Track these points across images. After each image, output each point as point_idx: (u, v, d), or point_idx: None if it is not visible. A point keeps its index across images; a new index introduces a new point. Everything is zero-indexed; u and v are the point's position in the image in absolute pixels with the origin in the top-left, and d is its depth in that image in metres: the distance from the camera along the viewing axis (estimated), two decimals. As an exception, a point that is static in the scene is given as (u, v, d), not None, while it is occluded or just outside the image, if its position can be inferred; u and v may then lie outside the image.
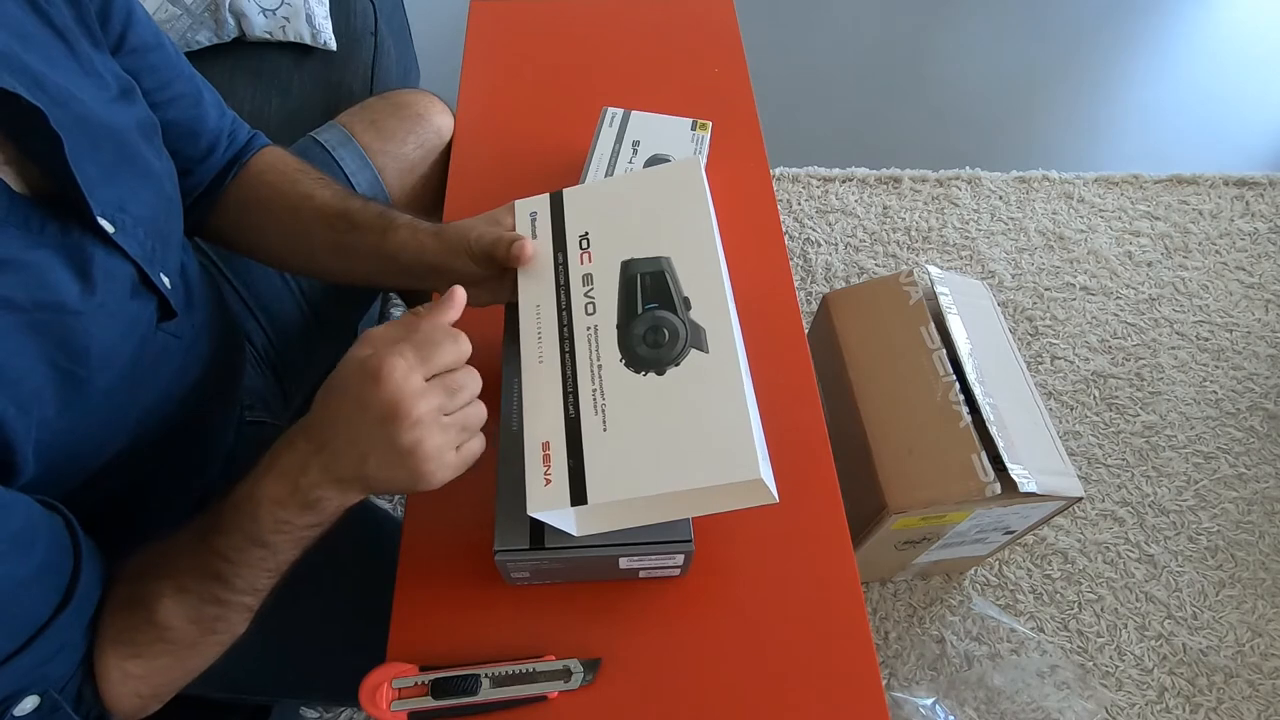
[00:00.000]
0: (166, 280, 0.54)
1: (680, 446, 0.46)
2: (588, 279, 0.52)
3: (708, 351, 0.48)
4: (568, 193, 0.57)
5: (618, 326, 0.50)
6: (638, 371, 0.49)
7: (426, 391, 0.44)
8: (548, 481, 0.47)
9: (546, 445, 0.48)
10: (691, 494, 0.46)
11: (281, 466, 0.44)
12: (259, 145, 0.68)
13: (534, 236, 0.56)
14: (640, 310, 0.50)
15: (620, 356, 0.49)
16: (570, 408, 0.49)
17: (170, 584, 0.45)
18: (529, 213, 0.58)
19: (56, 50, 0.49)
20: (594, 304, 0.51)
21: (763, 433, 0.49)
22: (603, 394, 0.48)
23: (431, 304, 0.47)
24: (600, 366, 0.49)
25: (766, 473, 0.46)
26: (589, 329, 0.51)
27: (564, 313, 0.52)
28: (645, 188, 0.56)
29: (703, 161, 0.80)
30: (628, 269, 0.52)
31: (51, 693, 0.43)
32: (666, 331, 0.49)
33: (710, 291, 0.51)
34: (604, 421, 0.47)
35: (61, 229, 0.46)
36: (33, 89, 0.43)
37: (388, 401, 0.42)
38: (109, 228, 0.48)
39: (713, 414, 0.47)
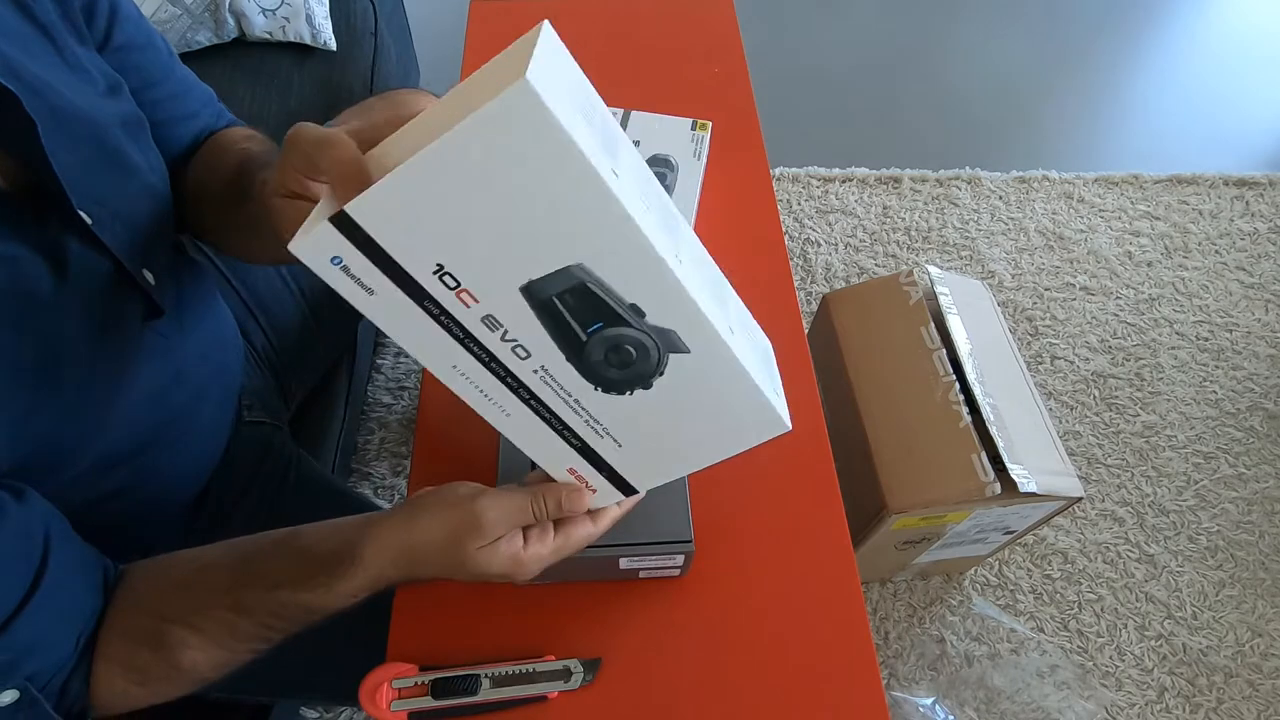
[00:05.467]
0: (150, 277, 0.53)
1: (707, 429, 0.46)
2: (490, 322, 0.38)
3: (689, 350, 0.41)
4: (356, 210, 0.34)
5: (570, 362, 0.40)
6: (619, 394, 0.42)
7: (550, 558, 0.48)
8: (593, 491, 0.48)
9: (572, 471, 0.47)
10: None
11: (370, 577, 0.46)
12: (223, 125, 0.65)
13: (370, 292, 0.36)
14: (585, 337, 0.39)
15: (593, 387, 0.42)
16: (573, 439, 0.45)
17: (204, 640, 0.47)
18: (329, 257, 0.35)
19: (39, 45, 0.48)
20: (522, 347, 0.39)
21: (771, 354, 0.49)
22: (596, 420, 0.44)
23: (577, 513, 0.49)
24: (577, 400, 0.42)
25: (784, 408, 0.46)
26: (536, 371, 0.41)
27: (492, 364, 0.40)
28: (477, 160, 0.32)
29: (702, 164, 0.78)
30: (534, 295, 0.37)
31: (31, 689, 0.43)
32: (631, 349, 0.40)
33: (658, 286, 0.38)
34: (615, 441, 0.46)
35: (39, 222, 0.46)
36: (8, 78, 0.43)
37: (524, 580, 0.48)
38: (87, 220, 0.47)
39: (724, 396, 0.43)
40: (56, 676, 0.45)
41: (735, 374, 0.42)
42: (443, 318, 0.38)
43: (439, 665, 0.53)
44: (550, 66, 0.32)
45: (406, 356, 1.41)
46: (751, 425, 0.45)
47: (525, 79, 0.29)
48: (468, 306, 0.37)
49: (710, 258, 0.45)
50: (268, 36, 1.14)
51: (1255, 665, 1.16)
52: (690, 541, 0.53)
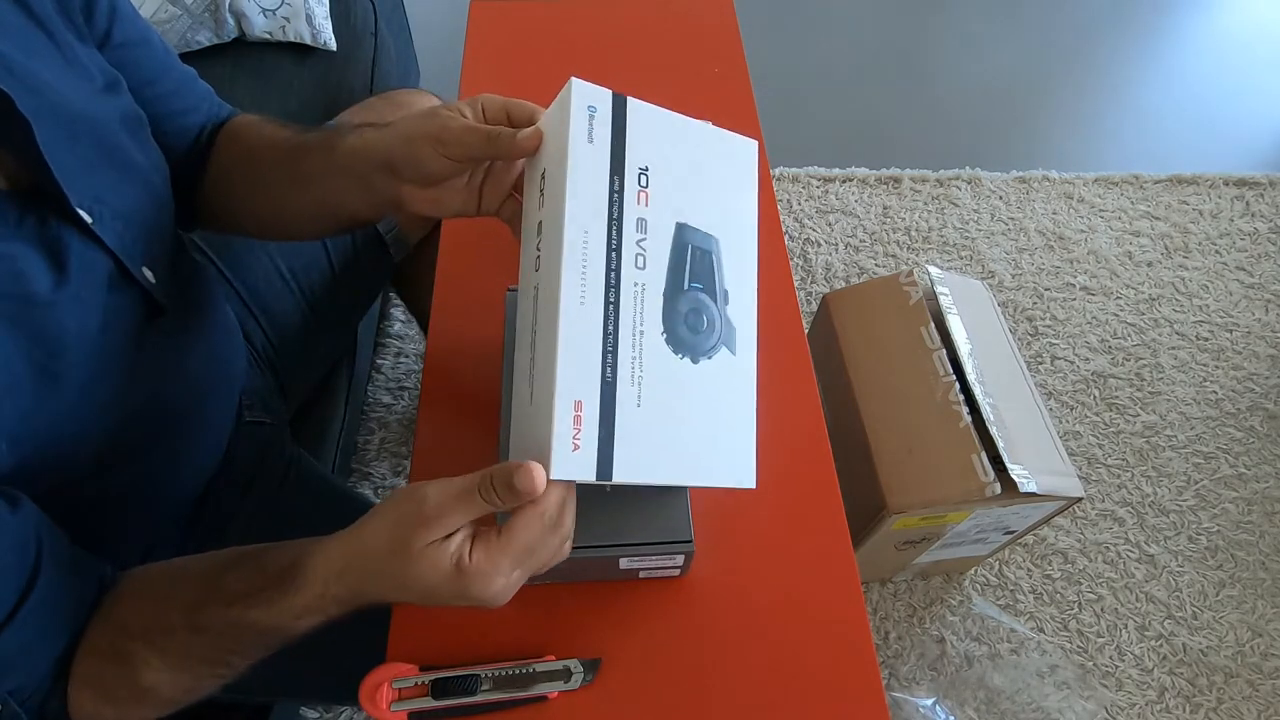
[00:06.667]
0: (150, 274, 0.53)
1: (698, 442, 0.46)
2: (641, 225, 0.46)
3: (735, 354, 0.48)
4: (632, 104, 0.47)
5: (664, 295, 0.46)
6: (675, 352, 0.46)
7: (520, 582, 0.44)
8: (576, 447, 0.42)
9: (579, 405, 0.42)
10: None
11: (314, 593, 0.43)
12: (229, 116, 0.67)
13: (590, 141, 0.45)
14: (686, 286, 0.47)
15: (662, 329, 0.45)
16: (608, 369, 0.43)
17: (165, 660, 0.45)
18: (587, 105, 0.45)
19: (36, 40, 0.48)
20: (644, 258, 0.45)
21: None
22: (641, 365, 0.44)
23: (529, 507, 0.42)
24: (642, 333, 0.44)
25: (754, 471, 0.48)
26: (636, 285, 0.45)
27: (614, 254, 0.44)
28: (705, 146, 0.50)
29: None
30: (681, 235, 0.47)
31: (12, 704, 0.43)
32: (706, 318, 0.47)
33: (745, 293, 0.49)
34: (639, 396, 0.44)
35: (39, 221, 0.46)
36: (3, 76, 0.43)
37: (483, 601, 0.42)
38: (87, 218, 0.47)
39: (728, 417, 0.47)
40: (36, 693, 0.45)
41: (748, 401, 0.48)
42: (616, 194, 0.45)
43: (439, 665, 0.53)
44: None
45: (406, 356, 1.41)
46: (733, 465, 0.47)
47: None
48: (638, 203, 0.46)
49: None
50: (268, 36, 1.14)
51: (1255, 665, 1.16)
52: (690, 541, 0.53)
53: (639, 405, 0.44)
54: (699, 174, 0.49)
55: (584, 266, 0.43)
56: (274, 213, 0.62)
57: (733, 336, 0.48)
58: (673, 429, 0.45)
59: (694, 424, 0.46)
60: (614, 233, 0.44)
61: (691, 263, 0.47)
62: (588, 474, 0.42)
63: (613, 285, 0.44)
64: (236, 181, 0.63)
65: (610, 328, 0.44)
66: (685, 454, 0.46)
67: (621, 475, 0.43)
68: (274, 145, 0.60)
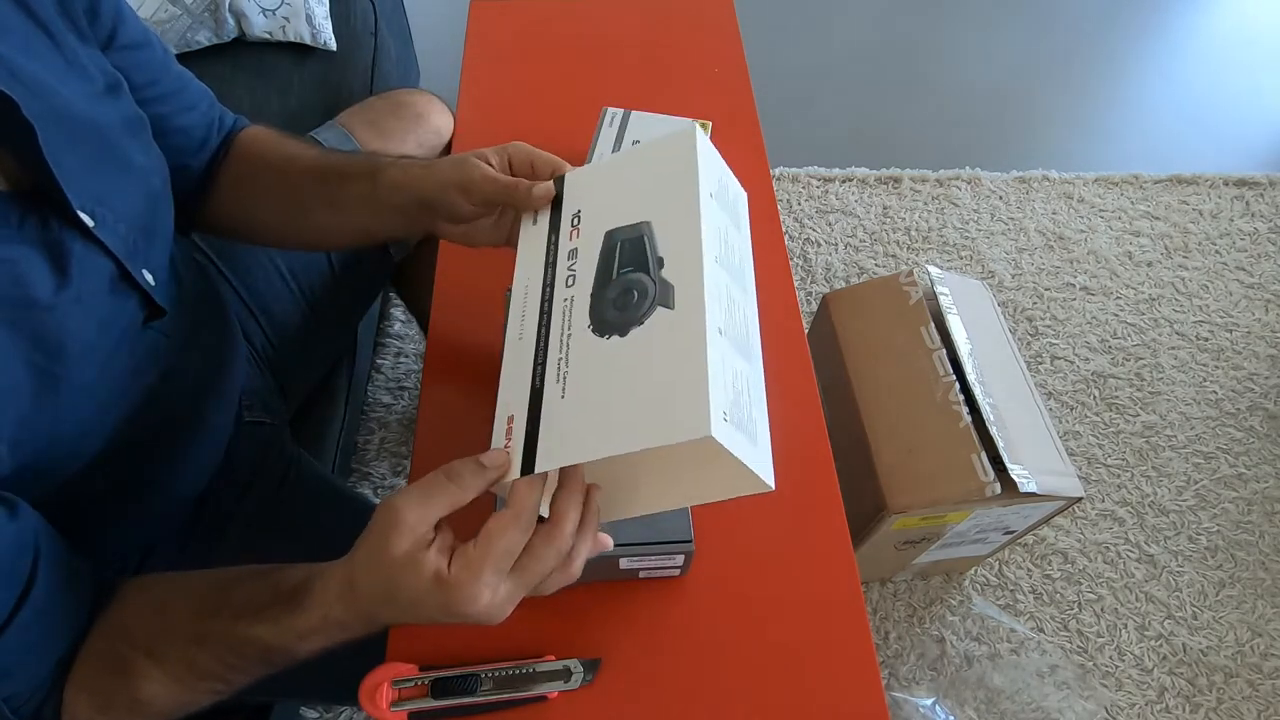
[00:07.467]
0: (150, 277, 0.53)
1: (632, 408, 0.43)
2: (573, 254, 0.52)
3: (673, 308, 0.45)
4: (568, 175, 0.56)
5: (591, 294, 0.48)
6: (601, 335, 0.46)
7: (512, 596, 0.43)
8: (507, 454, 0.45)
9: (511, 420, 0.46)
10: (652, 464, 0.43)
11: (319, 615, 0.43)
12: (241, 126, 0.68)
13: (534, 222, 0.55)
14: (615, 275, 0.49)
15: (588, 323, 0.47)
16: (537, 379, 0.47)
17: (164, 671, 0.45)
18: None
19: (38, 43, 0.48)
20: (574, 276, 0.50)
21: (766, 416, 0.46)
22: (567, 362, 0.46)
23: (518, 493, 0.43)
24: (569, 335, 0.47)
25: (727, 435, 0.41)
26: (566, 300, 0.49)
27: (547, 288, 0.51)
28: (639, 161, 0.55)
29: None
30: (610, 239, 0.51)
31: (5, 710, 0.43)
32: (636, 292, 0.47)
33: (685, 250, 0.47)
34: (563, 389, 0.45)
35: (41, 224, 0.46)
36: (7, 81, 0.43)
37: (472, 615, 0.42)
38: (89, 221, 0.48)
39: (669, 372, 0.43)
40: (31, 700, 0.45)
41: (694, 350, 0.43)
42: (552, 245, 0.53)
43: (439, 665, 0.53)
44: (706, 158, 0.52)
45: (406, 356, 1.41)
46: (682, 417, 0.41)
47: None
48: (570, 240, 0.52)
49: (755, 313, 0.51)
50: (268, 36, 1.14)
51: (1255, 665, 1.16)
52: (690, 541, 0.53)
53: (563, 397, 0.45)
54: (630, 187, 0.53)
55: (524, 312, 0.51)
56: (300, 228, 0.66)
57: (669, 294, 0.46)
58: (599, 404, 0.44)
59: (627, 391, 0.43)
60: (549, 274, 0.52)
61: (620, 254, 0.49)
62: (515, 471, 0.44)
63: (546, 312, 0.50)
64: (256, 195, 0.65)
65: (542, 344, 0.49)
66: (619, 422, 0.43)
67: (546, 463, 0.43)
68: (303, 164, 0.63)
